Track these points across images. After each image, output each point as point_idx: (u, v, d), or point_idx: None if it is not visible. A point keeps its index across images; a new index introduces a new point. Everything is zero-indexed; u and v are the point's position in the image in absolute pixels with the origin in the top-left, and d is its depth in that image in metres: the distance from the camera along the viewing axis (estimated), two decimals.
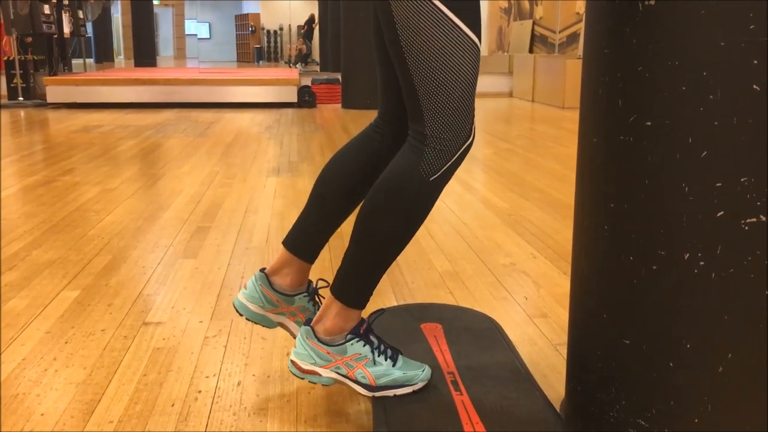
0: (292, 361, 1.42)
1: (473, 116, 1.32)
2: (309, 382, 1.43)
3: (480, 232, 2.90)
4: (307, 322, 1.42)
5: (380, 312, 1.50)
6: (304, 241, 1.52)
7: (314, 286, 1.58)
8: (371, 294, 1.41)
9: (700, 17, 1.02)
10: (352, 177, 1.48)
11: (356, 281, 1.39)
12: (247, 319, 1.54)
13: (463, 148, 1.31)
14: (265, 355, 1.74)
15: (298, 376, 1.42)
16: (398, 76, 1.30)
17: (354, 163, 1.48)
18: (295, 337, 1.56)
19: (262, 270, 1.54)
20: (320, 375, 1.40)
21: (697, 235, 1.08)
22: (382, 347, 1.44)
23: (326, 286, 1.56)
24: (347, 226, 1.40)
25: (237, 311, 1.54)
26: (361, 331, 1.42)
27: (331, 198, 1.49)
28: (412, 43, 1.23)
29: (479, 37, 1.26)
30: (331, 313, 1.40)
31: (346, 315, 1.40)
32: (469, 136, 1.31)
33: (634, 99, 1.11)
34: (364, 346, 1.41)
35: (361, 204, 1.39)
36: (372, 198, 1.34)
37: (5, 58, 8.90)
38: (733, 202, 1.05)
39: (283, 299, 1.53)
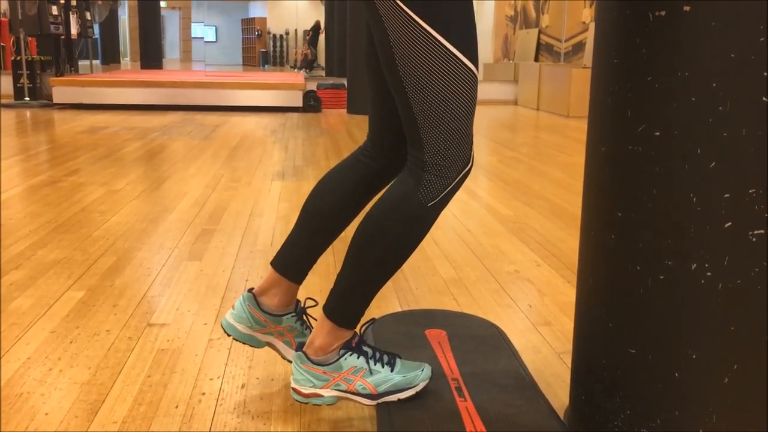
0: (293, 389, 1.42)
1: (472, 143, 1.33)
2: (313, 405, 1.44)
3: (484, 239, 2.91)
4: (299, 348, 1.43)
5: (371, 322, 1.51)
6: (292, 262, 1.53)
7: (302, 305, 1.58)
8: (363, 314, 1.42)
9: (711, 29, 1.03)
10: (342, 200, 1.48)
11: (349, 302, 1.40)
12: (234, 339, 1.54)
13: (462, 174, 1.32)
14: (269, 358, 1.74)
15: (301, 402, 1.43)
16: (397, 103, 1.30)
17: (343, 187, 1.49)
18: (283, 357, 1.57)
19: (250, 290, 1.54)
20: (322, 396, 1.41)
21: (704, 246, 1.08)
22: (378, 355, 1.44)
23: (314, 306, 1.57)
24: (339, 244, 1.40)
25: (225, 331, 1.54)
26: (354, 344, 1.42)
27: (320, 220, 1.50)
28: (411, 74, 1.24)
29: (477, 66, 1.27)
30: (322, 332, 1.41)
31: (337, 334, 1.41)
32: (468, 162, 1.32)
33: (643, 109, 1.12)
34: (358, 358, 1.42)
35: (356, 225, 1.39)
36: (369, 221, 1.34)
37: (12, 58, 8.93)
38: (741, 213, 1.05)
39: (270, 319, 1.54)
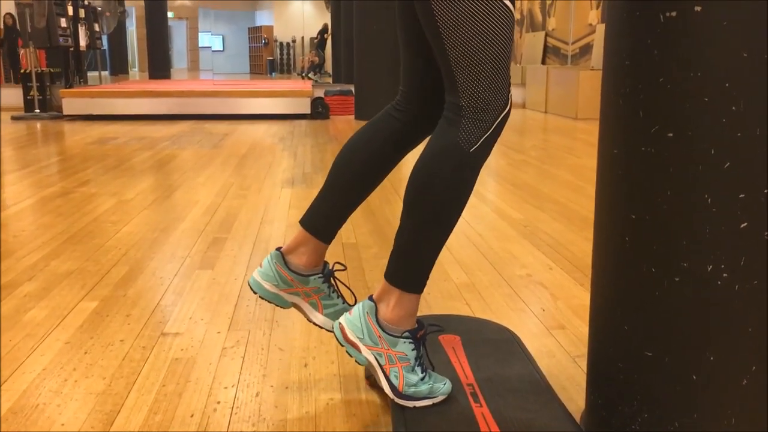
0: (340, 325, 1.39)
1: (509, 85, 1.31)
2: (345, 352, 1.41)
3: (495, 243, 2.90)
4: (371, 298, 1.40)
5: (440, 329, 1.49)
6: (321, 220, 1.50)
7: (330, 268, 1.56)
8: (427, 277, 1.39)
9: (722, 28, 1.02)
10: (372, 156, 1.46)
11: (411, 262, 1.37)
12: (260, 297, 1.52)
13: (501, 118, 1.29)
14: (283, 366, 1.74)
15: (339, 342, 1.40)
16: (432, 47, 1.28)
17: (374, 143, 1.46)
18: (308, 319, 1.54)
19: (279, 249, 1.52)
20: (360, 351, 1.38)
21: (720, 247, 1.07)
22: (423, 359, 1.43)
23: (342, 270, 1.55)
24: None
25: (251, 289, 1.52)
26: (418, 336, 1.41)
27: (349, 177, 1.48)
28: (446, 13, 1.22)
29: (513, 3, 1.24)
30: (391, 301, 1.38)
31: (406, 303, 1.38)
32: (506, 105, 1.30)
33: (655, 110, 1.11)
34: (412, 350, 1.40)
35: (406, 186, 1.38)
36: (415, 176, 1.33)
37: (22, 71, 9.00)
38: (757, 214, 1.04)
39: (297, 279, 1.51)
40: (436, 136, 1.33)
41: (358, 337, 1.38)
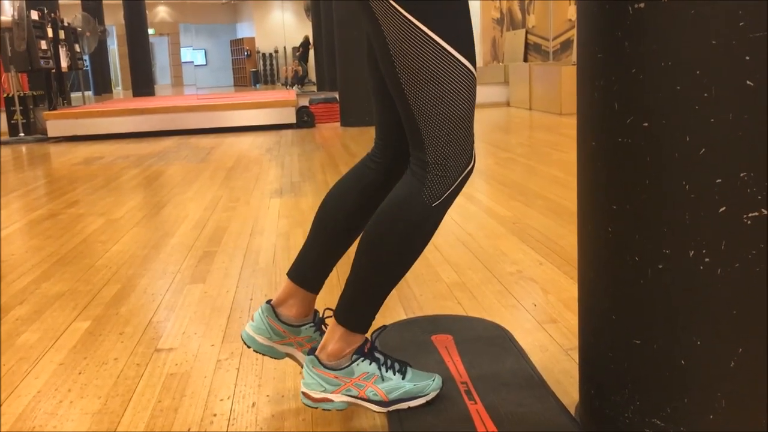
0: (303, 393, 1.43)
1: (473, 142, 1.34)
2: (323, 410, 1.44)
3: (485, 241, 2.91)
4: (311, 352, 1.43)
5: (382, 329, 1.51)
6: (308, 271, 1.53)
7: (320, 315, 1.59)
8: (374, 318, 1.42)
9: (690, 17, 1.04)
10: (354, 205, 1.49)
11: (359, 306, 1.40)
12: (254, 350, 1.55)
13: (464, 173, 1.32)
14: (278, 375, 1.74)
15: (311, 407, 1.43)
16: (397, 104, 1.32)
17: (354, 192, 1.49)
18: (303, 367, 1.57)
19: (269, 302, 1.55)
20: (333, 401, 1.41)
21: (700, 232, 1.09)
22: (389, 362, 1.44)
23: (332, 316, 1.58)
24: (350, 250, 1.42)
25: (245, 343, 1.55)
26: (366, 350, 1.43)
27: (332, 228, 1.51)
28: (409, 74, 1.25)
29: (474, 65, 1.28)
30: (334, 337, 1.41)
31: (349, 339, 1.41)
32: (470, 161, 1.33)
33: (629, 101, 1.13)
34: (370, 364, 1.42)
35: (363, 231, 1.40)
36: (374, 224, 1.35)
37: (5, 95, 8.97)
38: (734, 198, 1.06)
39: (289, 330, 1.54)
40: (400, 187, 1.35)
41: (321, 391, 1.41)
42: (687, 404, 1.15)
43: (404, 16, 1.22)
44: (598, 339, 1.29)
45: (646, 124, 1.11)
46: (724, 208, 1.07)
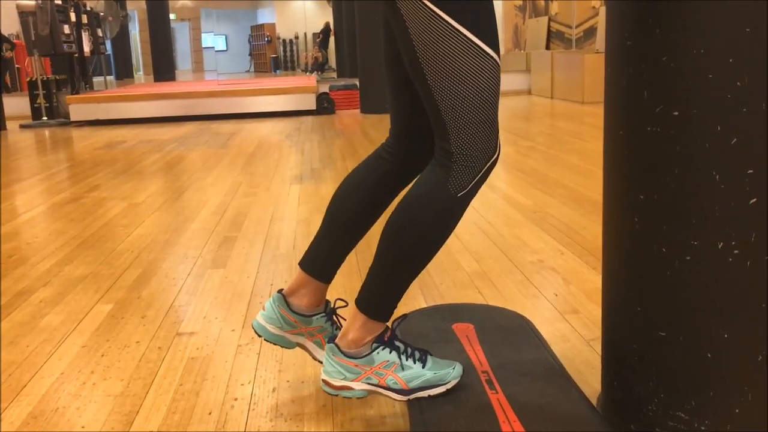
0: (323, 380, 1.43)
1: (498, 131, 1.33)
2: (343, 397, 1.44)
3: (506, 230, 2.89)
4: (331, 339, 1.43)
5: (403, 318, 1.51)
6: (319, 262, 1.53)
7: (332, 306, 1.59)
8: (395, 307, 1.42)
9: (723, 4, 1.02)
10: (366, 197, 1.49)
11: (381, 295, 1.40)
12: (265, 340, 1.55)
13: (489, 163, 1.32)
14: (298, 361, 1.75)
15: (332, 394, 1.44)
16: (421, 97, 1.31)
17: (366, 184, 1.49)
18: (314, 358, 1.58)
19: (280, 291, 1.55)
20: (353, 389, 1.41)
21: (730, 224, 1.07)
22: (409, 350, 1.44)
23: (344, 306, 1.57)
24: (371, 239, 1.41)
25: (256, 332, 1.55)
26: (386, 339, 1.42)
27: (345, 218, 1.50)
28: (433, 66, 1.24)
29: (498, 53, 1.26)
30: (355, 325, 1.41)
31: (370, 327, 1.41)
32: (495, 151, 1.32)
33: (659, 89, 1.11)
34: (390, 352, 1.42)
35: (386, 220, 1.39)
36: (398, 214, 1.35)
37: (28, 79, 9.05)
38: (766, 189, 1.04)
39: (300, 320, 1.54)
40: (425, 177, 1.35)
41: (341, 379, 1.41)
42: (712, 398, 1.13)
43: (427, 6, 1.21)
44: (622, 330, 1.28)
45: (676, 113, 1.09)
46: (755, 200, 1.05)
